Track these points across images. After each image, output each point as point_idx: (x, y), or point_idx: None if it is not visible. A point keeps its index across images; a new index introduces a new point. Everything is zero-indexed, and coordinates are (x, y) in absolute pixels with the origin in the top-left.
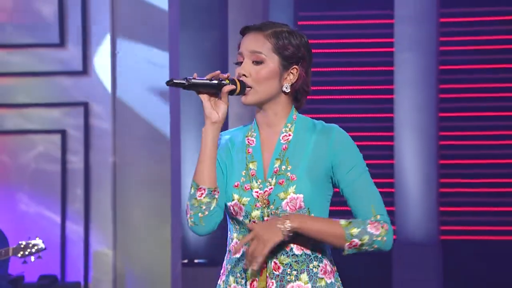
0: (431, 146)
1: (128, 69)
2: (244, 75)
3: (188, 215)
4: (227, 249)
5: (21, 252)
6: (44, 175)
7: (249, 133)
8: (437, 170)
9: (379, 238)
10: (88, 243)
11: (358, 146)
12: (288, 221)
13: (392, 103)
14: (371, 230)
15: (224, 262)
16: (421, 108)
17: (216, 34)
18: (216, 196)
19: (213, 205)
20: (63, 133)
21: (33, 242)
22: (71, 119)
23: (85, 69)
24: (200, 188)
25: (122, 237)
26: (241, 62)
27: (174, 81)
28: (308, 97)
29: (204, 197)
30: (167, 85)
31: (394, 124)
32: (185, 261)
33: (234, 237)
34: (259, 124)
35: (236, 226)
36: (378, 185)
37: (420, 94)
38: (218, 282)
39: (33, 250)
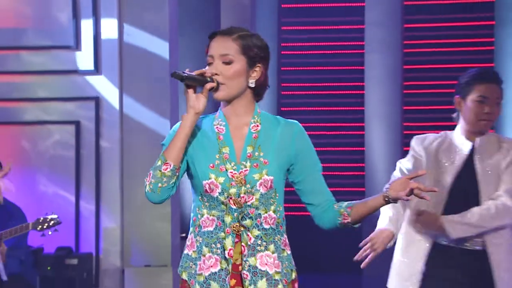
0: (396, 135)
1: (133, 68)
2: (216, 74)
3: (148, 182)
4: (196, 224)
5: (40, 226)
6: (60, 160)
7: (217, 122)
8: (401, 155)
9: None
10: (99, 219)
11: (334, 135)
12: None
13: (363, 97)
14: None
15: (192, 235)
16: (388, 102)
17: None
18: (177, 174)
19: (173, 180)
20: (77, 123)
21: (50, 217)
22: (84, 111)
23: (96, 68)
24: (166, 163)
25: (128, 214)
26: (212, 63)
27: (177, 72)
28: (292, 92)
29: (167, 171)
30: (171, 76)
31: (364, 116)
32: (183, 234)
33: (204, 213)
34: (226, 115)
35: (206, 203)
36: (350, 169)
37: (387, 90)
38: (186, 253)
39: (50, 224)
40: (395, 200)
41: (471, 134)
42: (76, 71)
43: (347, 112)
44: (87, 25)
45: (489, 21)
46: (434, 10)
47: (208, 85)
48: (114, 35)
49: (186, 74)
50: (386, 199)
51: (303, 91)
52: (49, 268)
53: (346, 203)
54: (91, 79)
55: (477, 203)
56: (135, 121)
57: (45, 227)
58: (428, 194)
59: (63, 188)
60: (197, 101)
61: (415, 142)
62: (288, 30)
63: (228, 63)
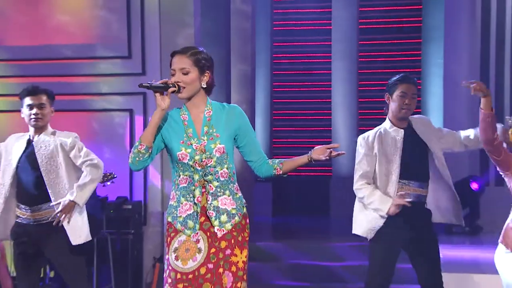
0: (353, 119)
1: (169, 72)
2: (178, 82)
3: (130, 156)
4: (175, 183)
5: (102, 179)
6: (119, 135)
7: (182, 113)
8: (357, 133)
9: None
10: (146, 177)
11: (312, 118)
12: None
13: (331, 92)
14: None
15: (173, 191)
16: (348, 95)
17: (221, 51)
18: (150, 151)
19: (146, 155)
20: (131, 111)
21: (108, 173)
22: (135, 102)
23: (143, 71)
24: (141, 144)
25: (165, 173)
26: (173, 73)
27: (143, 84)
28: (283, 89)
29: (142, 150)
30: (139, 86)
31: (331, 105)
32: None
33: (180, 174)
34: (188, 108)
35: (181, 168)
36: (320, 144)
37: (347, 87)
38: (170, 203)
39: (109, 178)
40: (316, 160)
41: (396, 121)
42: (129, 74)
43: (319, 102)
44: (136, 41)
45: (417, 39)
46: (378, 31)
47: (170, 90)
48: (156, 48)
49: (149, 84)
50: (309, 159)
51: (292, 88)
52: (111, 211)
53: (278, 160)
54: (140, 79)
55: (427, 156)
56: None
57: (105, 180)
58: (385, 165)
59: (121, 155)
60: (162, 101)
61: (360, 143)
62: (279, 46)
63: (186, 73)
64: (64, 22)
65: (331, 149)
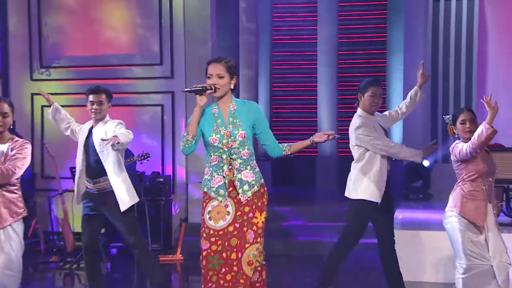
0: (333, 112)
1: (193, 75)
2: (215, 84)
3: (180, 144)
4: (208, 161)
5: (139, 158)
6: (153, 125)
7: (213, 108)
8: (337, 123)
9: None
10: (174, 156)
11: (302, 112)
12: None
13: (316, 91)
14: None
15: (206, 168)
16: (330, 93)
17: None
18: (195, 139)
19: (193, 142)
20: (162, 106)
21: (145, 153)
22: (166, 99)
23: (172, 75)
24: (189, 134)
25: (191, 155)
26: (210, 77)
27: (185, 89)
28: (281, 89)
29: (189, 138)
30: (182, 92)
31: (317, 99)
32: None
33: (211, 155)
34: (218, 104)
35: (212, 149)
36: (309, 130)
37: (329, 86)
38: (205, 177)
39: (144, 157)
40: (316, 143)
41: (366, 114)
42: (161, 77)
43: (308, 99)
44: (166, 52)
45: (383, 50)
46: (353, 44)
47: (208, 92)
48: (182, 57)
49: (190, 88)
50: (312, 142)
51: (287, 88)
52: (147, 183)
53: (286, 144)
54: (169, 81)
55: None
56: (193, 104)
57: (141, 159)
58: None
59: (155, 139)
60: (201, 100)
61: (365, 129)
62: (277, 55)
63: (221, 78)
64: (111, 37)
65: (328, 134)
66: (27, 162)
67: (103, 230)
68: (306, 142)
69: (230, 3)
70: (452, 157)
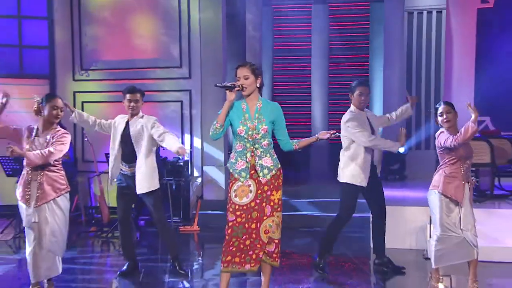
0: (325, 108)
1: (207, 76)
2: (243, 84)
3: (211, 130)
4: (234, 148)
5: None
6: (174, 118)
7: (242, 104)
8: (328, 117)
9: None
10: (192, 143)
11: (299, 107)
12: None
13: (310, 90)
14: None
15: (232, 153)
16: (321, 88)
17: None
18: (223, 127)
19: (220, 130)
20: (181, 102)
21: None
22: (184, 96)
23: (190, 76)
24: (218, 123)
25: (205, 142)
26: (239, 79)
27: (217, 84)
28: (281, 87)
29: (218, 126)
30: (215, 86)
31: (311, 98)
32: (229, 152)
33: (237, 143)
34: (247, 100)
35: (238, 138)
36: (301, 126)
37: (321, 86)
38: (230, 161)
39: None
40: (320, 139)
41: (357, 110)
42: (180, 78)
43: (304, 96)
44: (185, 56)
45: (366, 55)
46: (341, 50)
47: (236, 88)
48: (198, 60)
49: (222, 84)
50: (317, 138)
51: (286, 87)
52: (170, 166)
53: (296, 140)
54: (187, 81)
55: (373, 131)
56: (208, 101)
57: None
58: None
59: (175, 129)
60: (230, 96)
61: (352, 122)
62: (277, 59)
63: (247, 78)
64: (139, 44)
65: (331, 132)
66: (65, 148)
67: (132, 205)
68: (312, 139)
69: (238, 16)
70: (437, 143)
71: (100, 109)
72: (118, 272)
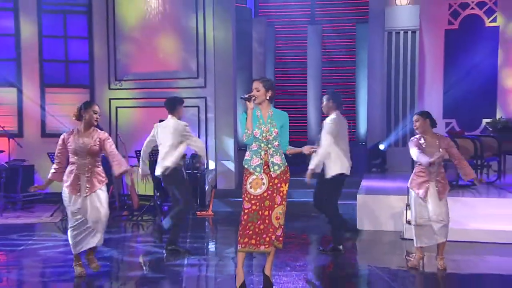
0: (318, 112)
1: (221, 86)
2: (254, 95)
3: (244, 137)
4: (249, 147)
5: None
6: (192, 120)
7: (257, 111)
8: (321, 120)
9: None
10: (207, 143)
11: (297, 110)
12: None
13: (307, 97)
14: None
15: (248, 151)
16: (316, 98)
17: (247, 74)
18: (252, 133)
19: (252, 135)
20: (198, 107)
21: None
22: (201, 102)
23: (205, 85)
24: (249, 130)
25: (218, 140)
26: (253, 90)
27: (242, 97)
28: (282, 95)
29: (250, 133)
30: (240, 99)
31: (307, 104)
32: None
33: (253, 143)
34: (260, 109)
35: (254, 139)
36: (298, 127)
37: (316, 93)
38: (246, 158)
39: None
40: (303, 152)
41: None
42: (197, 87)
43: (301, 101)
44: (201, 69)
45: (353, 67)
46: (332, 63)
47: (253, 99)
48: (212, 72)
49: (243, 97)
50: (301, 151)
51: (286, 94)
52: (188, 161)
53: (290, 146)
54: (203, 90)
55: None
56: (220, 107)
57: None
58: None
59: (193, 130)
60: (249, 105)
61: (330, 125)
62: (279, 70)
63: (258, 90)
64: (163, 59)
65: (313, 149)
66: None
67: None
68: (298, 150)
69: (246, 35)
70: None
71: (131, 113)
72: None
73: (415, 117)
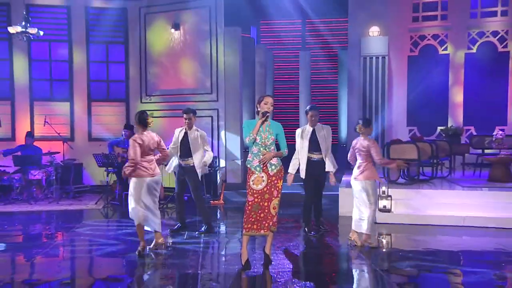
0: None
1: (230, 99)
2: (267, 110)
3: (247, 139)
4: (250, 150)
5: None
6: (207, 128)
7: (257, 121)
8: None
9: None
10: (219, 145)
11: (289, 118)
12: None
13: (298, 106)
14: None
15: (250, 154)
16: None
17: (250, 91)
18: (255, 138)
19: (253, 140)
20: (211, 117)
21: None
22: (214, 113)
23: (217, 99)
24: (252, 135)
25: (228, 145)
26: (266, 103)
27: (263, 112)
28: (280, 106)
29: (253, 138)
30: (263, 115)
31: (299, 111)
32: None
33: (254, 147)
34: (261, 119)
35: (255, 144)
36: (291, 133)
37: (306, 105)
38: (248, 159)
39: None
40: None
41: (310, 126)
42: (211, 101)
43: (293, 107)
44: (214, 86)
45: (335, 84)
46: (321, 82)
47: (267, 115)
48: (223, 88)
49: (267, 114)
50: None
51: (283, 105)
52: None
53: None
54: (215, 103)
55: (319, 145)
56: (229, 117)
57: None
58: (301, 144)
59: (208, 136)
60: (260, 118)
61: (297, 133)
62: (278, 87)
63: (272, 105)
64: (184, 78)
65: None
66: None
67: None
68: (279, 154)
69: (250, 59)
70: (364, 147)
71: (158, 121)
72: (169, 230)
73: (359, 127)
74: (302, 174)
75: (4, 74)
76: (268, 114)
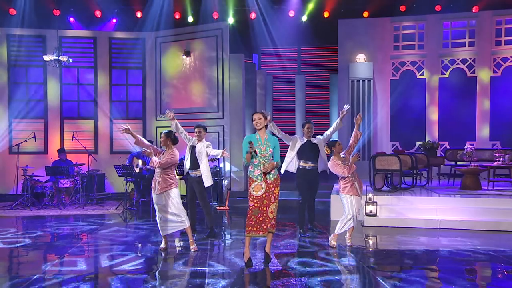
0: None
1: (234, 116)
2: (255, 150)
3: (244, 162)
4: (252, 162)
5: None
6: (214, 142)
7: (256, 135)
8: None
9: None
10: (224, 157)
11: (287, 128)
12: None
13: (294, 121)
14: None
15: (251, 165)
16: (302, 118)
17: (252, 110)
18: (251, 160)
19: (247, 163)
20: (218, 133)
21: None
22: (220, 129)
23: (223, 117)
24: (247, 160)
25: (232, 157)
26: (255, 119)
27: (248, 150)
28: (278, 117)
29: (246, 163)
30: (248, 151)
31: (295, 122)
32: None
33: (255, 159)
34: (259, 133)
35: (255, 156)
36: (286, 147)
37: (301, 115)
38: (250, 170)
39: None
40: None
41: (306, 137)
42: (217, 118)
43: (290, 118)
44: (220, 105)
45: (327, 104)
46: (312, 101)
47: (253, 151)
48: (228, 108)
49: (252, 150)
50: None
51: (281, 117)
52: (211, 170)
53: (276, 162)
54: (221, 120)
55: (313, 155)
56: (233, 133)
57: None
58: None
59: (215, 147)
60: (250, 150)
61: (293, 136)
62: (276, 106)
63: (260, 119)
64: (194, 99)
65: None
66: (170, 161)
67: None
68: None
69: (252, 81)
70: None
71: None
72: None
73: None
74: (282, 169)
75: (39, 96)
76: (254, 150)
